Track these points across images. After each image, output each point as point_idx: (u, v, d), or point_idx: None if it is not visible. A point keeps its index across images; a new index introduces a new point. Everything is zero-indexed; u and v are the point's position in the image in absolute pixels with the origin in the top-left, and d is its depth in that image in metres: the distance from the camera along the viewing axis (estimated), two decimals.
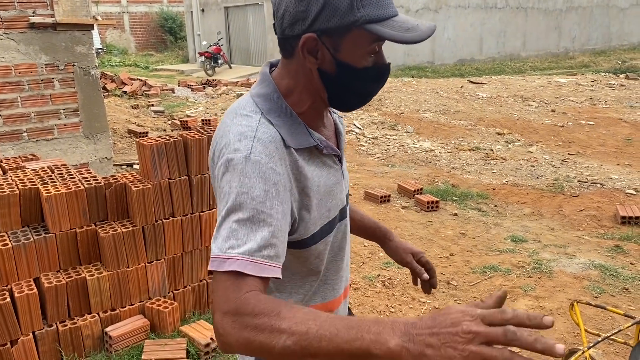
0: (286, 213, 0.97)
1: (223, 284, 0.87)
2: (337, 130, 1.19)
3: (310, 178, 1.04)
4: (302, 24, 0.98)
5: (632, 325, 1.50)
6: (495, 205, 5.41)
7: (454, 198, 5.56)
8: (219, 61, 17.20)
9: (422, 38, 0.96)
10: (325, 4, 0.95)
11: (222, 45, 17.93)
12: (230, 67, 17.99)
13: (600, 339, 1.51)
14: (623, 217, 4.81)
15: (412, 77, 15.45)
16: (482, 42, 19.85)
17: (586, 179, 6.14)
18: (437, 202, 5.25)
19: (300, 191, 1.03)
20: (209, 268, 0.90)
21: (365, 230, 1.48)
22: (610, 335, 1.56)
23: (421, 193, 5.46)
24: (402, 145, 7.76)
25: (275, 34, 1.04)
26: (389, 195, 5.41)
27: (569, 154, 7.38)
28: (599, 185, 5.91)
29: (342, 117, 1.26)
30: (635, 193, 5.61)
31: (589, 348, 1.49)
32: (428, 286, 1.38)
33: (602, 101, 11.35)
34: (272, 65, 1.13)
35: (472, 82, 13.62)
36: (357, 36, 0.98)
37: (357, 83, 1.03)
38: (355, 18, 0.95)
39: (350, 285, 3.44)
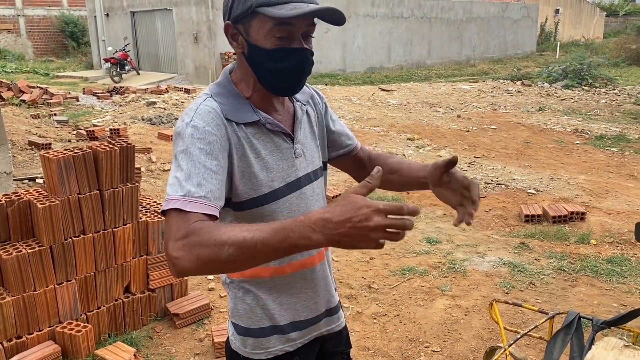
0: (222, 165, 1.16)
1: (173, 220, 1.05)
2: (295, 116, 1.35)
3: (250, 148, 1.23)
4: (226, 15, 1.23)
5: (546, 320, 1.60)
6: None
7: None
8: (126, 67, 16.54)
9: (296, 14, 1.13)
10: None
11: (129, 51, 17.25)
12: (139, 74, 17.34)
13: (519, 336, 1.60)
14: (527, 216, 5.14)
15: (326, 84, 15.68)
16: (390, 50, 20.54)
17: (492, 180, 6.50)
18: None
19: (241, 156, 1.22)
20: (162, 209, 1.10)
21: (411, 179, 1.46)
22: (528, 332, 1.65)
23: None
24: None
25: None
26: None
27: (475, 157, 7.79)
28: (503, 186, 6.28)
29: (322, 101, 1.48)
30: (535, 192, 6.02)
31: (510, 345, 1.57)
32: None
33: (502, 106, 12.12)
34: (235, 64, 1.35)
35: (383, 90, 14.05)
36: (259, 21, 1.17)
37: (268, 63, 1.20)
38: (251, 3, 1.16)
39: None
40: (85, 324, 2.93)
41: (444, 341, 3.14)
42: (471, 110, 11.65)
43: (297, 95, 1.38)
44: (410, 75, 19.23)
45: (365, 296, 3.71)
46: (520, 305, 1.73)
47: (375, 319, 3.41)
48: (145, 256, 3.27)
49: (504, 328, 1.67)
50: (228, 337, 1.41)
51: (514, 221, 5.24)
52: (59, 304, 2.89)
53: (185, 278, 3.49)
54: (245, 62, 1.25)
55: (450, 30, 23.12)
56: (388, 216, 0.89)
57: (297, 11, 1.13)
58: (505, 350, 1.55)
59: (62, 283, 2.89)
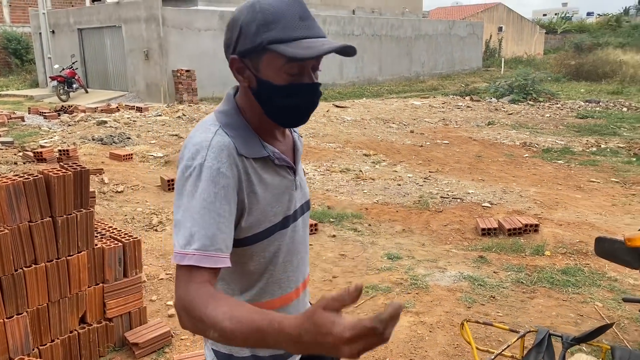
0: (232, 211, 1.16)
1: (184, 275, 1.08)
2: (295, 147, 1.36)
3: (259, 183, 1.22)
4: (229, 49, 1.20)
5: (518, 339, 1.62)
6: (370, 225, 5.62)
7: (331, 219, 5.68)
8: (74, 85, 16.08)
9: (313, 55, 1.11)
10: (240, 31, 1.16)
11: (76, 68, 16.79)
12: (87, 92, 16.88)
13: (492, 357, 1.61)
14: (483, 229, 5.25)
15: None
16: (342, 67, 20.80)
17: (447, 194, 6.62)
18: (315, 224, 5.32)
19: (249, 192, 1.20)
20: (173, 261, 1.10)
21: None
22: (501, 352, 1.67)
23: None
24: None
25: None
26: None
27: (430, 171, 7.93)
28: (459, 200, 6.40)
29: (301, 137, 1.44)
30: (490, 205, 6.17)
31: None
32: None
33: (453, 121, 12.43)
34: (238, 88, 1.30)
35: (337, 106, 14.18)
36: (270, 57, 1.15)
37: (278, 99, 1.19)
38: (260, 40, 1.14)
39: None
40: (38, 359, 2.77)
41: (411, 359, 3.14)
42: (424, 125, 11.89)
43: None
44: (363, 92, 19.51)
45: None
46: (491, 325, 1.74)
47: None
48: (101, 284, 3.13)
49: (477, 348, 1.68)
50: None
51: (471, 235, 5.34)
52: (9, 339, 2.72)
53: (144, 305, 3.38)
54: (252, 95, 1.22)
55: (400, 47, 23.65)
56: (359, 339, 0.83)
57: (313, 51, 1.12)
58: None
59: (12, 317, 2.73)
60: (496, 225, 5.28)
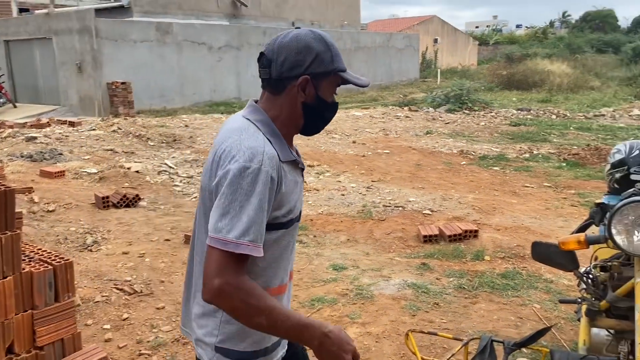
0: (269, 210, 1.39)
1: (232, 262, 1.31)
2: (297, 152, 1.60)
3: (288, 183, 1.45)
4: (299, 69, 1.44)
5: (461, 347, 1.62)
6: (315, 236, 5.60)
7: None
8: (1, 100, 15.28)
9: (368, 84, 1.53)
10: (316, 56, 1.45)
11: (3, 82, 15.97)
12: (15, 107, 16.08)
13: None
14: (425, 236, 5.33)
15: (222, 113, 15.50)
16: None
17: (389, 203, 6.70)
18: None
19: (279, 191, 1.42)
20: (225, 248, 1.30)
21: None
22: None
23: None
24: None
25: (266, 76, 1.47)
26: None
27: (372, 181, 8.02)
28: (400, 208, 6.49)
29: None
30: (430, 213, 6.29)
31: None
32: None
33: (393, 131, 12.67)
34: (255, 101, 1.54)
35: None
36: (331, 80, 1.49)
37: (326, 113, 1.54)
38: (334, 67, 1.48)
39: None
40: None
41: None
42: (365, 136, 12.05)
43: None
44: None
45: None
46: (436, 334, 1.75)
47: None
48: (30, 311, 2.93)
49: (422, 358, 1.68)
50: None
51: (413, 242, 5.41)
52: None
53: (79, 330, 3.20)
54: (300, 109, 1.48)
55: None
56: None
57: (364, 81, 1.52)
58: None
59: None
60: (437, 232, 5.38)
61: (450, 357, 1.73)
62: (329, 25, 25.58)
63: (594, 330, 2.53)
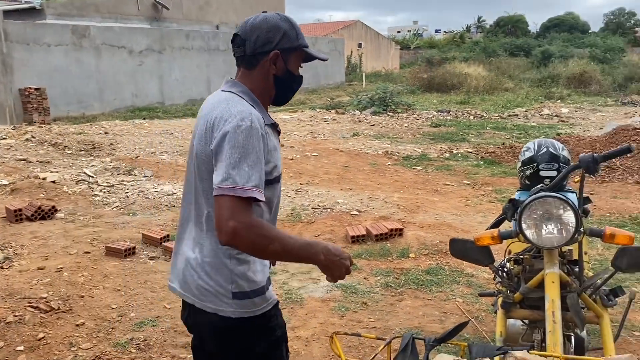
0: (264, 161, 1.60)
1: (242, 206, 1.49)
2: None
3: (270, 143, 1.66)
4: (270, 45, 1.68)
5: (384, 347, 1.66)
6: None
7: None
8: None
9: (327, 58, 1.86)
10: (284, 34, 1.69)
11: None
12: None
13: None
14: (352, 237, 5.40)
15: (144, 118, 15.03)
16: (209, 82, 20.47)
17: (318, 205, 6.75)
18: None
19: (267, 148, 1.63)
20: (234, 194, 1.48)
21: None
22: None
23: (168, 240, 5.24)
24: (142, 191, 7.40)
25: (241, 53, 1.71)
26: (134, 247, 5.06)
27: (301, 184, 8.04)
28: (329, 210, 6.55)
29: None
30: (358, 213, 6.39)
31: None
32: None
33: (321, 134, 12.78)
34: (231, 78, 1.78)
35: None
36: (297, 55, 1.74)
37: (294, 85, 1.78)
38: (299, 43, 1.73)
39: None
40: None
41: None
42: (293, 139, 12.07)
43: None
44: None
45: None
46: (359, 335, 1.77)
47: None
48: None
49: None
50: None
51: (341, 243, 5.46)
52: None
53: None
54: (272, 81, 1.71)
55: None
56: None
57: (324, 56, 1.82)
58: None
59: None
60: (364, 232, 5.47)
61: (373, 357, 1.76)
62: None
63: (510, 321, 2.65)
